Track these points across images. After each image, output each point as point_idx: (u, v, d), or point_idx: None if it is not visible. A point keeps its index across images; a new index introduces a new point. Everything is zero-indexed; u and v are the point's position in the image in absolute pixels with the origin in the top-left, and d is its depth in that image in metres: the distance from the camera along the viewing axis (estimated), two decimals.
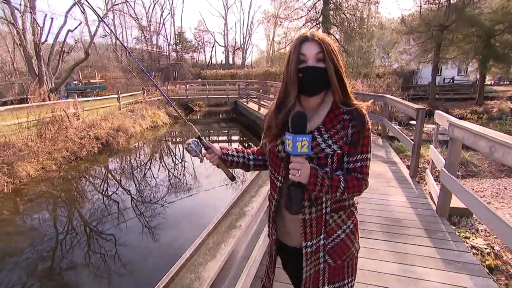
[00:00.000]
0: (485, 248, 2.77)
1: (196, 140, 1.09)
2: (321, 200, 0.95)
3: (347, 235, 1.00)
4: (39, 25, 15.24)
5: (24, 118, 7.18)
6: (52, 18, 26.54)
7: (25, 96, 12.40)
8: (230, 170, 1.15)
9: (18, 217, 4.98)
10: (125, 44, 30.03)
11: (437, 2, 15.68)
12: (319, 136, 0.93)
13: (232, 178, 1.15)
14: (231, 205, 1.72)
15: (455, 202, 2.99)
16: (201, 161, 1.11)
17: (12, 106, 7.50)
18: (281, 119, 0.95)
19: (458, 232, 2.93)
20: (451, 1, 14.88)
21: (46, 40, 16.85)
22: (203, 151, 1.09)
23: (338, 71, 0.90)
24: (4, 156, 5.76)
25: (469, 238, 2.93)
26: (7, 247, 4.13)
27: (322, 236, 0.97)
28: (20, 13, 14.63)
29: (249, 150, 1.19)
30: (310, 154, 0.88)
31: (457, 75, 23.39)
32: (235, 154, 1.14)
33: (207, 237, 1.38)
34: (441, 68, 22.43)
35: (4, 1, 13.07)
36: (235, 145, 11.08)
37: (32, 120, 7.36)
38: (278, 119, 0.96)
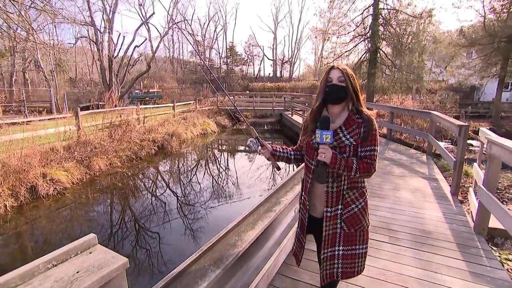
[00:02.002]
0: None
1: (255, 139, 1.56)
2: (341, 179, 1.36)
3: (359, 210, 1.39)
4: (114, 43, 17.73)
5: (99, 121, 8.54)
6: (124, 36, 30.49)
7: (97, 102, 14.56)
8: (277, 162, 1.61)
9: (89, 203, 5.83)
10: (204, 59, 32.61)
11: (505, 10, 14.42)
12: (341, 132, 1.35)
13: (278, 168, 1.63)
14: (270, 195, 2.11)
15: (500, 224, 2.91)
16: (259, 154, 1.59)
17: (92, 111, 8.98)
18: (313, 119, 1.40)
19: (499, 253, 2.86)
20: None
21: (117, 55, 19.51)
22: (259, 147, 1.55)
23: (353, 90, 1.34)
24: (85, 152, 6.99)
25: (511, 260, 2.85)
26: (77, 229, 4.85)
27: (340, 206, 1.37)
28: (101, 33, 17.25)
29: (290, 148, 1.63)
30: (331, 143, 1.29)
31: None
32: (281, 150, 1.60)
33: (249, 215, 1.77)
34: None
35: (90, 25, 15.60)
36: None
37: (105, 123, 8.68)
38: (312, 118, 1.41)
